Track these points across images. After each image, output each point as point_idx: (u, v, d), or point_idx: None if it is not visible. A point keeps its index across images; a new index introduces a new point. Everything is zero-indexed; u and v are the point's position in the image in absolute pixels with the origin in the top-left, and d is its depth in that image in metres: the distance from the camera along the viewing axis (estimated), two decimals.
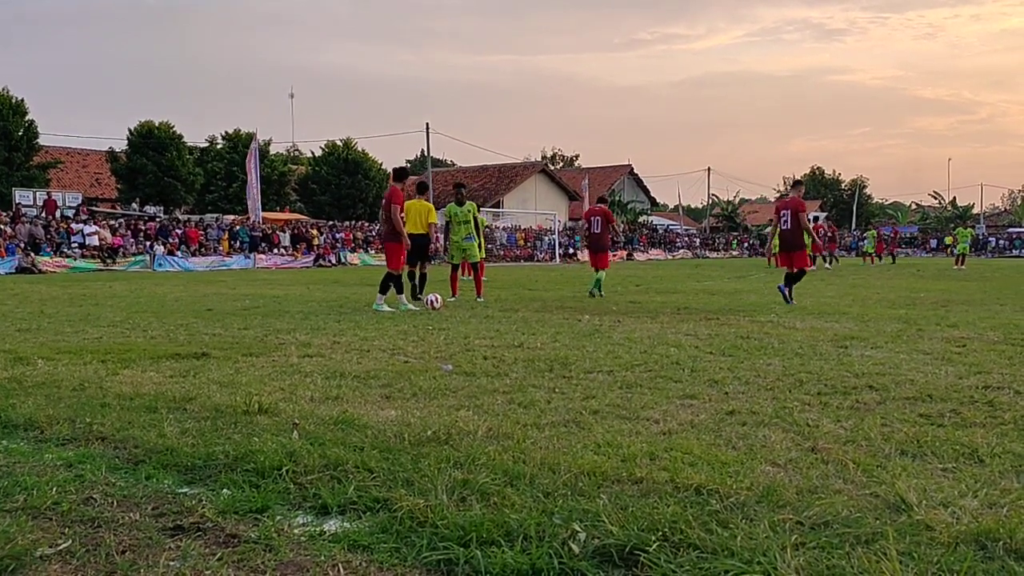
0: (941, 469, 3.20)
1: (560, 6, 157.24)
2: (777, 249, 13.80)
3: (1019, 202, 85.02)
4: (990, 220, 74.33)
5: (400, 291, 10.85)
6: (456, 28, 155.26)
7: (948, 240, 54.55)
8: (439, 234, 13.59)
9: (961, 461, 3.31)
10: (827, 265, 29.91)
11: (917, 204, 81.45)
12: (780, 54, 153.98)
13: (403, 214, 10.98)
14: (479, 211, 13.59)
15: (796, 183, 12.70)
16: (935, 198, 75.38)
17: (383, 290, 10.73)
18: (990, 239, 61.71)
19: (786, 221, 11.77)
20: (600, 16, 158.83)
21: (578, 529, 2.51)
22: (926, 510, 2.68)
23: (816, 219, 32.26)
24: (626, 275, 18.58)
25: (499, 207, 53.03)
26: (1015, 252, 56.73)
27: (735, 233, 68.82)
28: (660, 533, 2.49)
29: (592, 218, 14.07)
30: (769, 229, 13.39)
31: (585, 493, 2.87)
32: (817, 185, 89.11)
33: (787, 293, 11.55)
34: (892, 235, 39.98)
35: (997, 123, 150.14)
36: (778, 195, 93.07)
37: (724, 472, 3.10)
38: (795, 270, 11.70)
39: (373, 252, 38.32)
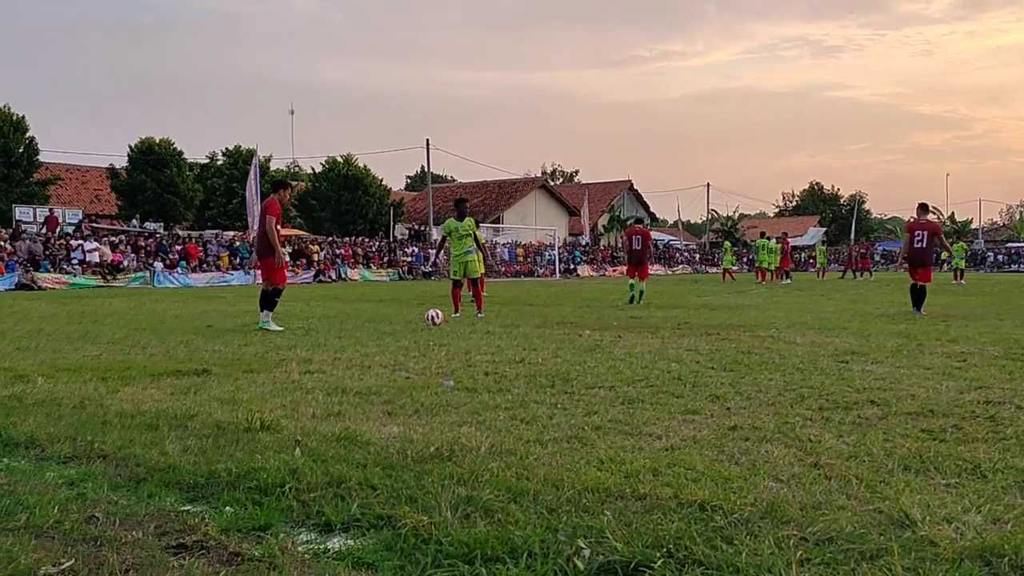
0: (944, 484, 3.20)
1: (558, 23, 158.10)
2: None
3: (1017, 217, 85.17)
4: (988, 235, 74.44)
5: (271, 308, 10.30)
6: (455, 45, 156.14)
7: (943, 256, 54.53)
8: (440, 250, 13.57)
9: (964, 476, 3.31)
10: (787, 281, 30.24)
11: (915, 219, 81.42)
12: (778, 71, 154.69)
13: (279, 226, 10.38)
14: (478, 227, 13.61)
15: (923, 206, 13.82)
16: (934, 213, 75.52)
17: (267, 306, 10.23)
18: (988, 254, 61.75)
19: (920, 240, 12.87)
20: (598, 33, 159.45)
21: (583, 545, 2.51)
22: (930, 526, 2.68)
23: (785, 235, 32.97)
24: (627, 290, 18.60)
25: (499, 223, 53.12)
26: (1014, 267, 56.76)
27: (735, 248, 68.82)
28: (665, 549, 2.49)
29: (633, 236, 16.68)
30: (902, 245, 14.62)
31: (589, 509, 2.87)
32: (816, 200, 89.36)
33: (920, 310, 12.55)
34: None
35: (994, 138, 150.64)
36: (777, 210, 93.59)
37: (727, 488, 3.09)
38: (919, 284, 12.77)
39: (374, 268, 38.37)
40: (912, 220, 14.91)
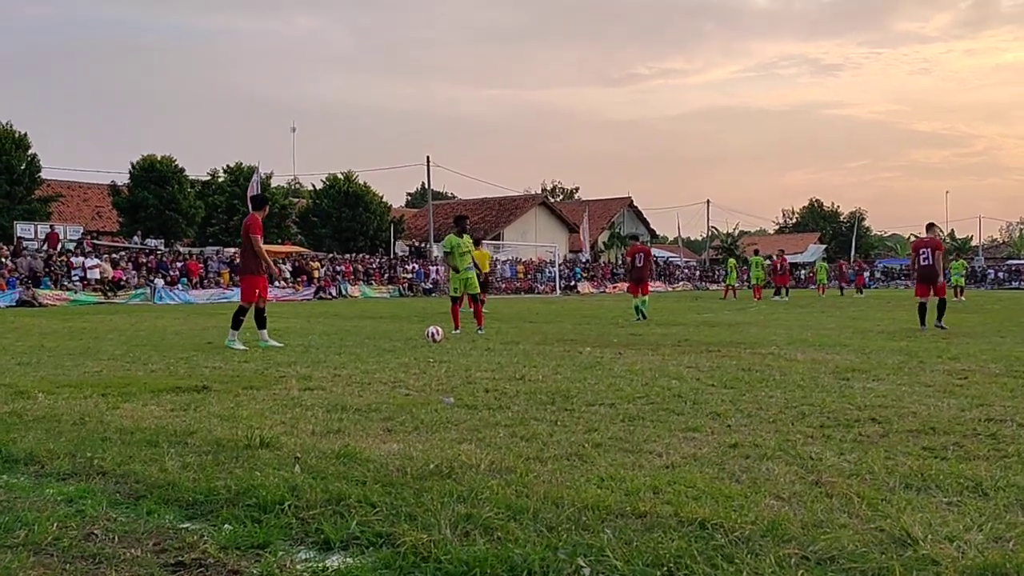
0: (946, 503, 3.19)
1: (558, 41, 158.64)
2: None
3: (1017, 234, 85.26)
4: (988, 252, 74.52)
5: (262, 326, 10.40)
6: (456, 62, 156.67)
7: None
8: (441, 266, 13.64)
9: (966, 494, 3.29)
10: (779, 297, 30.09)
11: (916, 236, 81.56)
12: (777, 88, 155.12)
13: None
14: (477, 245, 13.62)
15: (931, 225, 14.51)
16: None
17: (235, 325, 10.26)
18: (989, 271, 61.82)
19: (927, 258, 13.44)
20: (598, 51, 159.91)
21: (583, 564, 2.50)
22: (932, 544, 2.67)
23: (782, 252, 33.18)
24: (627, 307, 18.62)
25: (499, 239, 53.21)
26: (1014, 284, 56.77)
27: (737, 265, 68.81)
28: (665, 568, 2.48)
29: (635, 254, 17.57)
30: (909, 263, 15.66)
31: (589, 527, 2.86)
32: (816, 217, 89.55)
33: (941, 323, 13.20)
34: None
35: (993, 156, 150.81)
36: (777, 227, 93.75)
37: (728, 506, 3.08)
38: (938, 299, 13.36)
39: (374, 285, 38.39)
40: (915, 238, 15.31)
